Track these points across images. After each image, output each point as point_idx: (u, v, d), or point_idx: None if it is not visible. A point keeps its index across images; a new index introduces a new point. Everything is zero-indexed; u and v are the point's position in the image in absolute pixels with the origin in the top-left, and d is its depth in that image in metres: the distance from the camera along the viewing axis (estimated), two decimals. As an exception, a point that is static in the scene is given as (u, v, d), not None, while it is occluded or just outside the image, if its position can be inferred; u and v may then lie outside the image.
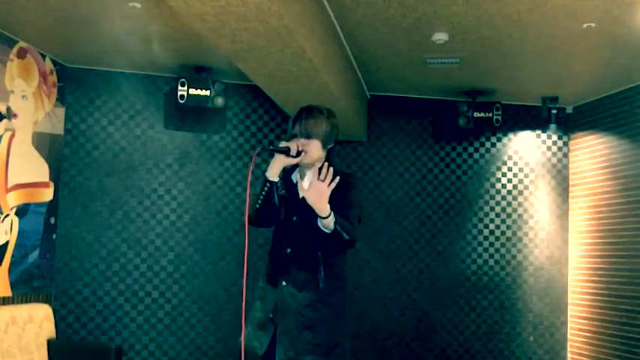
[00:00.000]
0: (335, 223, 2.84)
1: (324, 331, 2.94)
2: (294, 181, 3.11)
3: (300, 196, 2.98)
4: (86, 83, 5.80)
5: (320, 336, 2.92)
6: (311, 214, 2.88)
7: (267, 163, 3.06)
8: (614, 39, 4.65)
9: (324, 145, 3.07)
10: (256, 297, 3.10)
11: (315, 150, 3.04)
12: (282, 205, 3.04)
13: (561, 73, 5.61)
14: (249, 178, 2.96)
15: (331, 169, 2.84)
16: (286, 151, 2.96)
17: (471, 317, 6.45)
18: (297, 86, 4.60)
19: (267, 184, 2.98)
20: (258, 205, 3.00)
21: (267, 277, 3.07)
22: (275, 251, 3.07)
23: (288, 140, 3.03)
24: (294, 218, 3.02)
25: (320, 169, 2.87)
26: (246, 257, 2.88)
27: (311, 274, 2.96)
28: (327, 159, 3.09)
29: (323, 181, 2.83)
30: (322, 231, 2.87)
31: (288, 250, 3.01)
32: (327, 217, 2.83)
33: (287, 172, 3.13)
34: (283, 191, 3.04)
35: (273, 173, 2.99)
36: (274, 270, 3.04)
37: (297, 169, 3.15)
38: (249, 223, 3.03)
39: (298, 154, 2.97)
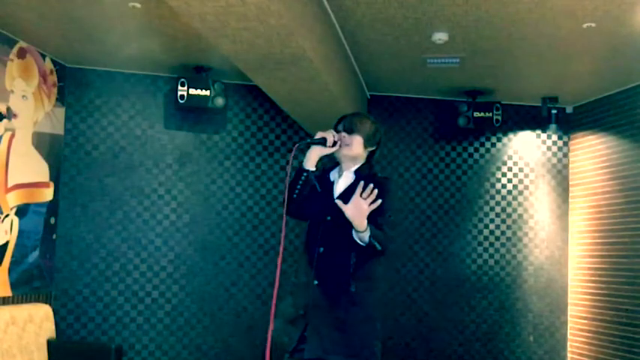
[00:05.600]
0: (370, 236, 2.84)
1: (354, 332, 2.92)
2: (332, 179, 3.11)
3: (335, 196, 3.00)
4: (86, 83, 5.80)
5: (350, 337, 2.91)
6: (345, 217, 2.87)
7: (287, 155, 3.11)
8: (614, 39, 4.65)
9: (365, 144, 3.07)
10: (288, 291, 3.09)
11: (357, 144, 3.05)
12: (317, 203, 3.05)
13: (561, 73, 5.61)
14: (288, 171, 3.01)
15: (375, 191, 2.82)
16: (322, 142, 2.99)
17: (471, 317, 6.45)
18: (297, 86, 4.60)
19: (305, 174, 3.00)
20: (295, 195, 3.02)
21: (299, 274, 3.07)
22: (309, 249, 3.06)
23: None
24: (328, 218, 3.02)
25: (365, 186, 2.84)
26: (281, 254, 2.88)
27: (343, 274, 2.94)
28: (367, 161, 3.10)
29: (365, 199, 2.82)
30: (356, 242, 2.88)
31: (321, 250, 3.00)
32: (363, 232, 2.84)
33: (326, 170, 3.13)
34: (319, 189, 3.05)
35: (310, 163, 3.02)
36: (307, 267, 3.03)
37: (337, 168, 3.14)
38: (286, 213, 3.06)
39: (334, 144, 2.99)
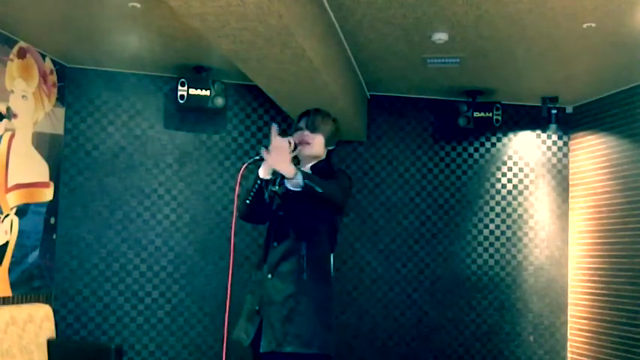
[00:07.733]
0: (303, 179, 2.73)
1: (305, 323, 2.97)
2: None
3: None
4: (86, 83, 5.80)
5: (301, 327, 2.96)
6: (297, 209, 2.94)
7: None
8: (614, 39, 4.65)
9: (326, 143, 3.12)
10: (248, 291, 3.17)
11: (318, 144, 3.10)
12: (275, 199, 3.11)
13: (561, 73, 5.61)
14: (237, 190, 3.05)
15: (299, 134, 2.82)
16: None
17: (471, 317, 6.45)
18: (297, 86, 4.60)
19: (258, 182, 3.05)
20: (248, 201, 3.09)
21: (256, 271, 3.15)
22: (265, 245, 3.15)
23: (292, 134, 3.09)
24: (281, 213, 3.08)
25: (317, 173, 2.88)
26: (231, 261, 2.91)
27: (295, 266, 3.00)
28: (327, 159, 3.15)
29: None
30: (296, 193, 2.77)
31: (275, 244, 3.07)
32: (293, 177, 2.73)
33: None
34: (277, 187, 3.09)
35: (265, 172, 3.06)
36: (262, 263, 3.11)
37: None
38: (240, 216, 3.17)
39: (293, 150, 2.99)
